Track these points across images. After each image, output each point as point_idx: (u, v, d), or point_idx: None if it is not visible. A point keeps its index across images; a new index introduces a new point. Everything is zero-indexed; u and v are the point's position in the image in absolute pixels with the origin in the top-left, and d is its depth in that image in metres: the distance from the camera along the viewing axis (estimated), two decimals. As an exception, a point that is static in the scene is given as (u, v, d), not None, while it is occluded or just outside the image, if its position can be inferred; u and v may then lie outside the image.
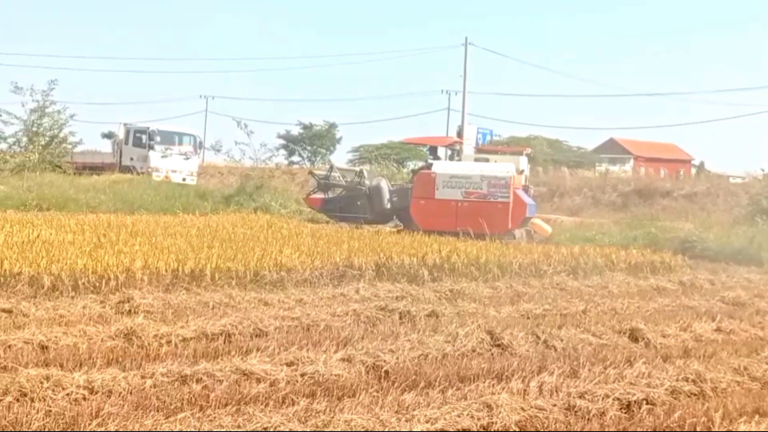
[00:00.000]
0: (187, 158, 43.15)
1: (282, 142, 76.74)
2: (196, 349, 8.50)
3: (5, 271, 11.03)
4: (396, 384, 7.55)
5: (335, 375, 7.72)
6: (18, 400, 6.46)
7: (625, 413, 7.24)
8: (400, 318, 10.81)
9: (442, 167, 24.97)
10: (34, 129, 37.21)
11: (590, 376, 8.06)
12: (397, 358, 8.37)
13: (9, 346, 8.11)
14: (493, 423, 6.59)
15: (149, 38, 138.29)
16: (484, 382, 7.65)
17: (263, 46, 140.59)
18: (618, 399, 7.38)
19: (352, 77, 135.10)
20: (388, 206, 25.67)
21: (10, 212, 21.98)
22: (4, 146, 37.58)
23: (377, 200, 25.50)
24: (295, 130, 78.73)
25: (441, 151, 29.85)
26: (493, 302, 12.62)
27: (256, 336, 9.37)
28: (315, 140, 78.19)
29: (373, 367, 8.09)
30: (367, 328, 10.04)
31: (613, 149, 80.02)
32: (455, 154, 30.12)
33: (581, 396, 7.35)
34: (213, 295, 11.46)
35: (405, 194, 25.29)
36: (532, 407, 6.94)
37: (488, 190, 23.49)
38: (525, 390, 7.47)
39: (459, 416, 6.59)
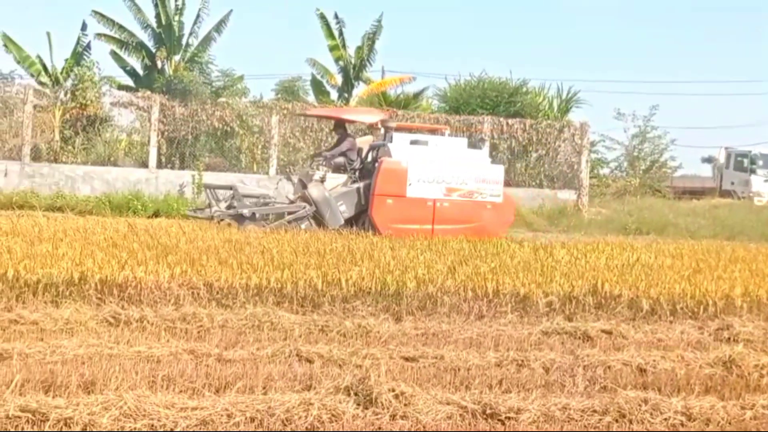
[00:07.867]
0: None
1: None
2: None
3: (606, 293, 11.33)
4: None
5: None
6: (617, 421, 6.58)
7: None
8: None
9: None
10: (635, 154, 38.18)
11: None
12: None
13: (609, 367, 8.32)
14: None
15: (745, 59, 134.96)
16: None
17: None
18: None
19: None
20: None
21: (610, 236, 22.68)
22: (606, 171, 38.99)
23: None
24: None
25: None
26: None
27: None
28: None
29: None
30: None
31: None
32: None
33: None
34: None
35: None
36: None
37: None
38: None
39: None
